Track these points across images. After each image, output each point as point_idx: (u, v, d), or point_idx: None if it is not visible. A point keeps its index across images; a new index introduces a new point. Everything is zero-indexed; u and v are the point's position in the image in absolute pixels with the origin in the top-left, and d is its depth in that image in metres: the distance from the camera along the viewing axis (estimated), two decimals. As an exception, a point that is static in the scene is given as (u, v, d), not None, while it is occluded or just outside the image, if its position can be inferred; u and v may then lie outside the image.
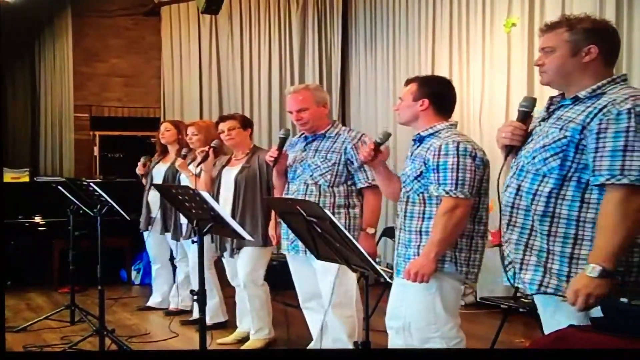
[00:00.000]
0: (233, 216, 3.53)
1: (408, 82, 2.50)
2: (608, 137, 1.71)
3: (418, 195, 2.37)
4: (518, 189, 1.85)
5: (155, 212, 4.47)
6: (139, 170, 4.61)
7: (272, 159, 2.93)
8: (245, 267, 3.61)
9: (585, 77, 1.82)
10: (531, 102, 1.92)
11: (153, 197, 4.50)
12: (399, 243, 2.45)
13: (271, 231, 3.41)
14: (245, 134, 3.69)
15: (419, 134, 2.44)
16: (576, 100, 1.82)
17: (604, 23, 1.87)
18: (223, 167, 3.75)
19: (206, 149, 3.80)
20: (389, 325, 2.54)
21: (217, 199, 3.63)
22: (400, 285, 2.43)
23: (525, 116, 1.91)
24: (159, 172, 4.55)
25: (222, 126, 3.67)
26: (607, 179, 1.71)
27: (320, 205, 2.76)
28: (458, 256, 2.35)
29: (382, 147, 2.45)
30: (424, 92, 2.42)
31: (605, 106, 1.74)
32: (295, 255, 3.02)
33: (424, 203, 2.37)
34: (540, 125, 1.89)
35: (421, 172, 2.35)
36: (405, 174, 2.42)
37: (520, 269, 1.85)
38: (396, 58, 5.83)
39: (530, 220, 1.82)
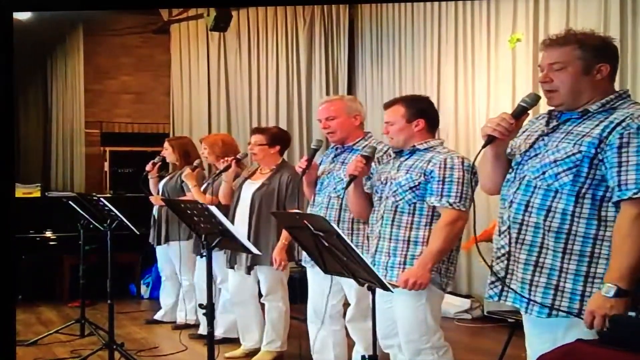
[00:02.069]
0: (249, 232, 3.52)
1: (390, 105, 2.50)
2: (631, 151, 1.67)
3: (409, 205, 2.41)
4: (527, 205, 1.79)
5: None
6: (148, 167, 4.60)
7: (301, 169, 2.88)
8: (264, 282, 3.65)
9: (596, 95, 1.78)
10: (534, 98, 1.84)
11: (155, 211, 4.59)
12: (377, 251, 2.46)
13: (276, 253, 3.34)
14: (270, 152, 3.56)
15: (413, 145, 2.46)
16: (585, 114, 1.78)
17: (610, 40, 1.83)
18: (245, 179, 3.71)
19: (230, 159, 3.75)
20: (388, 344, 2.54)
21: (234, 211, 3.63)
22: (387, 302, 2.42)
23: (521, 112, 1.82)
24: (160, 187, 4.63)
25: (251, 138, 3.64)
26: (635, 193, 1.66)
27: (340, 219, 2.78)
28: (440, 267, 2.41)
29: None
30: (416, 113, 2.45)
31: (623, 120, 1.70)
32: (314, 269, 3.00)
33: (414, 213, 2.41)
34: (543, 140, 1.83)
35: (419, 183, 2.39)
36: (398, 183, 2.43)
37: (530, 290, 1.79)
38: (402, 74, 5.89)
39: (540, 237, 1.77)
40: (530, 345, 1.90)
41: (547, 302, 1.76)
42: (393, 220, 2.42)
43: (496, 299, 1.87)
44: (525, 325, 1.94)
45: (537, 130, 1.87)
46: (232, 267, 3.75)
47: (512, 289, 1.83)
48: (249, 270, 3.60)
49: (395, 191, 2.43)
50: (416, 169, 2.41)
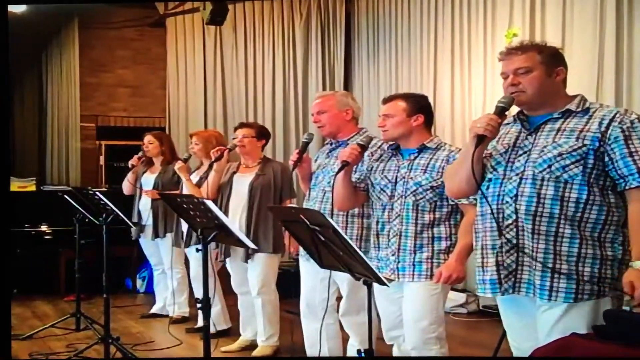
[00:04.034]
0: (248, 223, 3.58)
1: (390, 100, 2.56)
2: (636, 143, 1.85)
3: (430, 203, 2.46)
4: (539, 197, 1.89)
5: (146, 219, 4.56)
6: (133, 161, 4.60)
7: (293, 162, 2.92)
8: (259, 274, 3.65)
9: (558, 96, 1.97)
10: (509, 98, 1.97)
11: (143, 205, 4.59)
12: (400, 249, 2.48)
13: (288, 239, 3.41)
14: (257, 145, 3.72)
15: (422, 143, 2.50)
16: (567, 113, 1.94)
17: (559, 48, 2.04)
18: (233, 173, 3.75)
19: (222, 149, 3.78)
20: (394, 335, 2.57)
21: (227, 205, 3.66)
22: (398, 292, 2.46)
23: (502, 111, 1.96)
24: (147, 182, 4.62)
25: (238, 132, 3.73)
26: None
27: (335, 212, 2.78)
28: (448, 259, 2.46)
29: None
30: (417, 108, 2.51)
31: (614, 117, 1.88)
32: (308, 262, 3.01)
33: (434, 210, 2.46)
34: (527, 139, 1.96)
35: (441, 183, 2.40)
36: (418, 183, 2.46)
37: (552, 278, 1.87)
38: (398, 69, 5.89)
39: (554, 226, 1.88)
40: (526, 333, 1.98)
41: (572, 288, 1.86)
42: (416, 219, 2.46)
43: (511, 291, 1.95)
44: (513, 317, 2.03)
45: (508, 133, 2.02)
46: (224, 261, 3.75)
47: (557, 272, 1.87)
48: (246, 258, 3.61)
49: (415, 190, 2.47)
50: (435, 168, 2.46)
